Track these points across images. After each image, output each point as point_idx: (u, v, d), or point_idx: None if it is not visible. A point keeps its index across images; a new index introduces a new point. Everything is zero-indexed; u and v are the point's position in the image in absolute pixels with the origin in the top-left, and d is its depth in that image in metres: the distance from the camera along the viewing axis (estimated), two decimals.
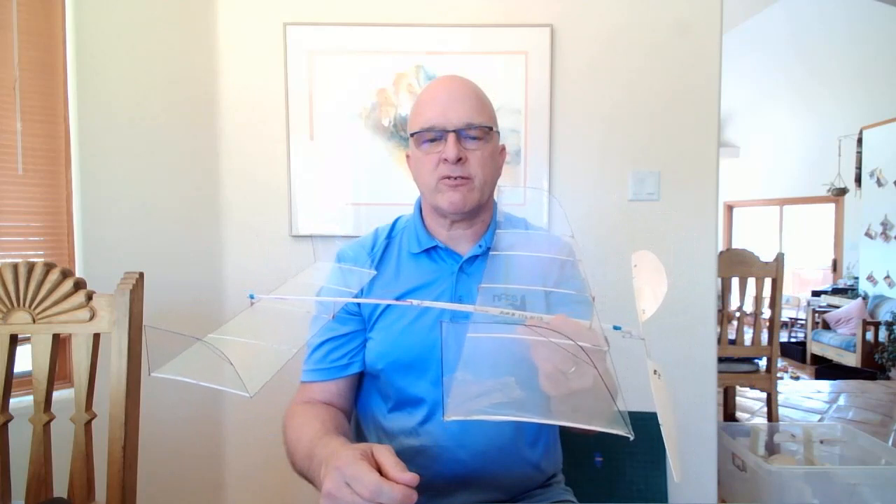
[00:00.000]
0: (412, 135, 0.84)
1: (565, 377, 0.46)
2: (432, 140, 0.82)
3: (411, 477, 0.55)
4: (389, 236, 0.92)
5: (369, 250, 0.90)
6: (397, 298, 0.84)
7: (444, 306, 0.56)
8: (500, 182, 0.90)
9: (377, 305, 0.85)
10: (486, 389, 0.46)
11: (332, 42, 1.65)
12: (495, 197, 0.93)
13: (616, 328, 0.48)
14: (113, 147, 1.46)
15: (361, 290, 0.85)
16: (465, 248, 0.88)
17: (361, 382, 0.90)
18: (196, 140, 1.64)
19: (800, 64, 5.86)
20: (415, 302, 0.55)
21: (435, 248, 0.88)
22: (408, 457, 0.83)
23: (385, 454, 0.58)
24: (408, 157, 0.89)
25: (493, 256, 0.66)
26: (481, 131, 0.81)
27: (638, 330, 0.47)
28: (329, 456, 0.63)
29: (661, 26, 1.66)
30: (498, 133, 0.87)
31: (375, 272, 0.87)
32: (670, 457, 0.40)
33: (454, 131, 0.80)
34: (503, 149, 0.90)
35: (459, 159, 0.80)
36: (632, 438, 0.38)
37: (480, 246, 0.87)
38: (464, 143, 0.81)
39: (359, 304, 0.86)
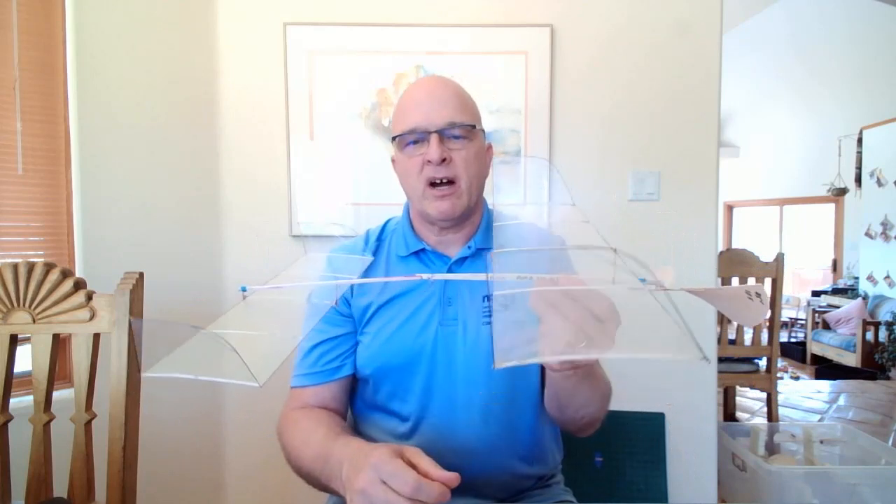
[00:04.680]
0: (394, 138, 0.83)
1: (573, 351, 0.46)
2: (416, 142, 0.80)
3: (453, 476, 0.56)
4: (379, 238, 0.91)
5: (360, 253, 0.89)
6: (386, 302, 0.84)
7: (456, 277, 0.56)
8: (497, 160, 0.89)
9: (368, 306, 0.85)
10: (534, 336, 0.45)
11: (332, 42, 1.65)
12: (490, 204, 0.92)
13: (642, 281, 0.44)
14: (113, 147, 1.46)
15: (352, 289, 0.85)
16: (454, 251, 0.86)
17: (356, 385, 0.90)
18: (196, 140, 1.64)
19: (800, 64, 5.86)
20: (424, 276, 0.53)
21: (423, 250, 0.87)
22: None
23: (419, 454, 0.58)
24: (393, 161, 0.88)
25: (498, 227, 0.65)
26: (464, 130, 0.80)
27: (661, 282, 0.43)
28: (354, 454, 0.63)
29: (661, 26, 1.66)
30: (483, 132, 0.85)
31: (372, 258, 0.86)
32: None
33: (437, 132, 0.79)
34: (490, 147, 0.89)
35: (444, 160, 0.78)
36: (710, 363, 0.36)
37: (469, 247, 0.86)
38: (447, 144, 0.80)
39: (349, 305, 0.86)
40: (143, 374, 0.39)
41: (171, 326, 0.42)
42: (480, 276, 0.54)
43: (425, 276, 0.54)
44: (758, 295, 0.45)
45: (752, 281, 2.58)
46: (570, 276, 0.48)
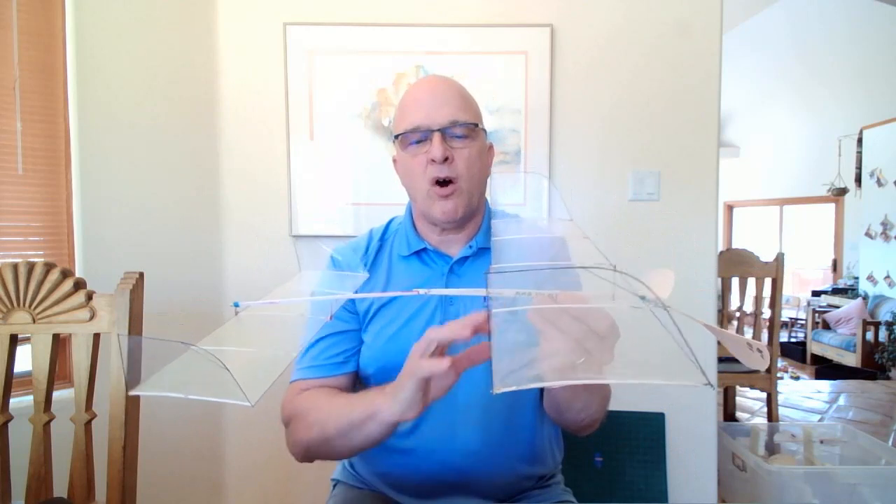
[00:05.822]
0: (397, 137, 0.83)
1: (574, 370, 0.46)
2: (418, 141, 0.81)
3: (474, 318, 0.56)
4: (382, 238, 0.92)
5: (363, 254, 0.89)
6: (387, 302, 0.84)
7: (454, 293, 0.56)
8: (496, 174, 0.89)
9: (370, 305, 0.85)
10: (535, 357, 0.44)
11: (332, 42, 1.65)
12: (487, 195, 0.91)
13: (642, 299, 0.43)
14: (113, 147, 1.46)
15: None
16: (456, 250, 0.87)
17: (357, 384, 0.90)
18: (196, 140, 1.64)
19: (800, 64, 5.86)
20: (421, 291, 0.54)
21: (424, 250, 0.87)
22: (399, 458, 0.82)
23: (434, 329, 0.58)
24: (394, 161, 0.88)
25: (497, 241, 0.65)
26: (467, 129, 0.81)
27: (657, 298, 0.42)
28: (381, 388, 0.64)
29: (661, 26, 1.66)
30: (485, 131, 0.85)
31: (367, 274, 0.86)
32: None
33: (439, 130, 0.79)
34: (491, 147, 0.89)
35: (446, 158, 0.79)
36: (715, 390, 0.36)
37: (471, 247, 0.86)
38: (450, 142, 0.80)
39: (354, 302, 0.86)
40: (131, 393, 0.38)
41: (161, 343, 0.41)
42: (479, 292, 0.54)
43: (422, 291, 0.54)
44: (759, 351, 0.45)
45: (752, 281, 2.58)
46: (568, 292, 0.48)
